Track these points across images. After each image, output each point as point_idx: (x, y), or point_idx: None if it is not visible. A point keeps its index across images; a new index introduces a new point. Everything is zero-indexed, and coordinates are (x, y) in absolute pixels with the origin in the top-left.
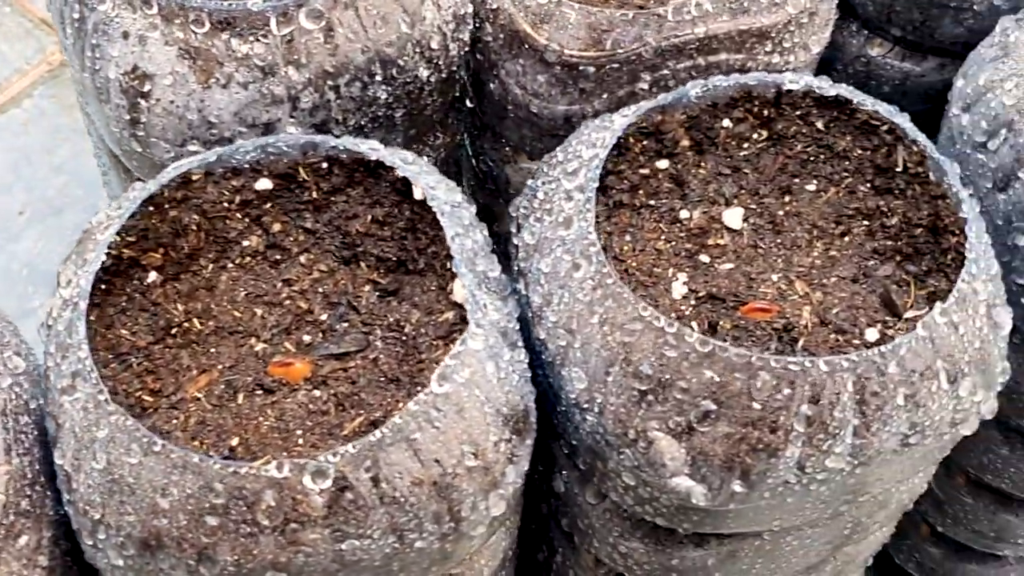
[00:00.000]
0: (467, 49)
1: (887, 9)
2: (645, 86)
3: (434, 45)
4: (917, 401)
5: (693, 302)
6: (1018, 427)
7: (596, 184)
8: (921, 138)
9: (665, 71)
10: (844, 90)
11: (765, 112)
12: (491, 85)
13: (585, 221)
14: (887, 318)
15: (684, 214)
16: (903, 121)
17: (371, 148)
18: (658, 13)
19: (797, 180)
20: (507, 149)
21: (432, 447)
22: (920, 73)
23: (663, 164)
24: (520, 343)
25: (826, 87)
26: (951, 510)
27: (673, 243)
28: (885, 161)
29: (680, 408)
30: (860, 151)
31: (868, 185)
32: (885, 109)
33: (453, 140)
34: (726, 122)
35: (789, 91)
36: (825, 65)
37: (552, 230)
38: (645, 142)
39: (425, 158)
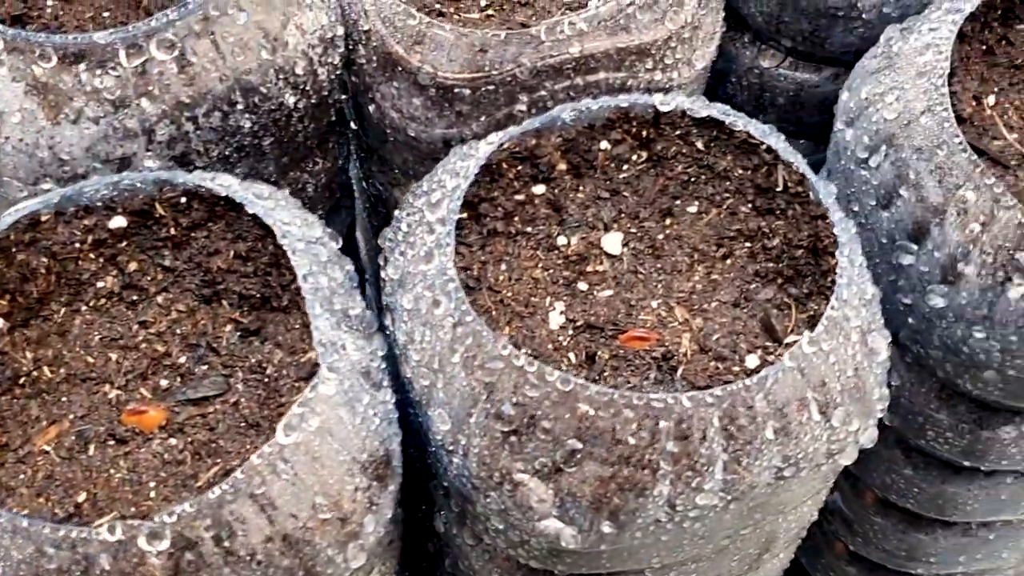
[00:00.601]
0: (339, 72)
1: (776, 20)
2: (523, 107)
3: (299, 71)
4: (788, 433)
5: (571, 332)
6: (919, 447)
7: (456, 216)
8: (796, 158)
9: (543, 92)
10: (717, 110)
11: (644, 133)
12: (369, 108)
13: (444, 256)
14: (768, 343)
15: (562, 240)
16: (776, 141)
17: (221, 184)
18: (532, 33)
19: (678, 202)
20: (395, 172)
21: (281, 500)
22: (815, 83)
23: (539, 189)
24: (386, 383)
25: (698, 108)
26: (861, 529)
27: (551, 271)
28: (766, 181)
29: (545, 449)
30: (741, 171)
31: (750, 206)
32: (758, 129)
33: (335, 165)
34: (604, 144)
35: (666, 111)
36: (720, 77)
37: (414, 264)
38: (520, 167)
39: (296, 186)
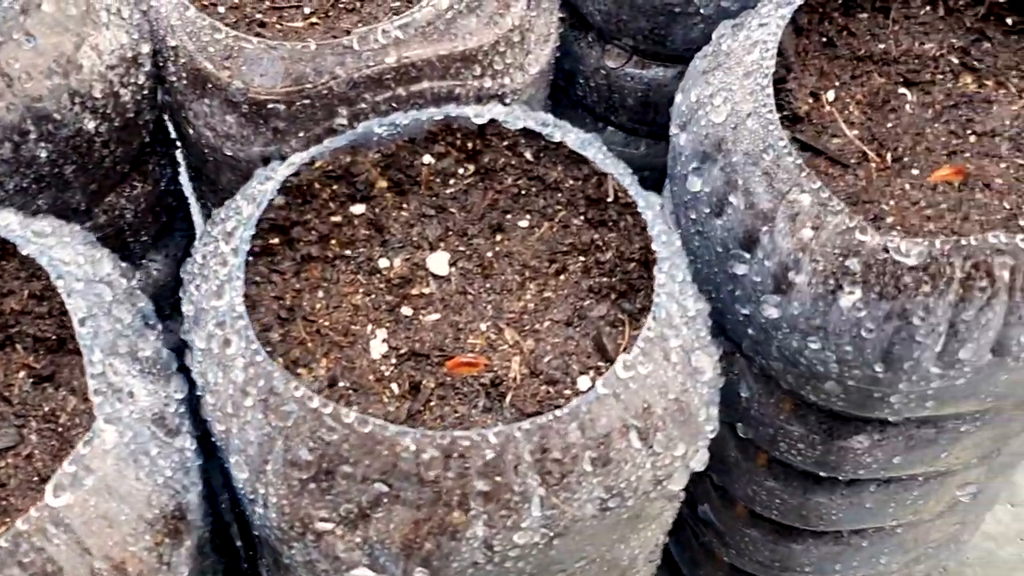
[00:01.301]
0: (148, 92)
1: (615, 19)
2: (344, 121)
3: (97, 94)
4: (608, 463)
5: (394, 361)
6: (777, 459)
7: (247, 247)
8: (617, 168)
9: (363, 104)
10: (536, 121)
11: (470, 145)
12: (185, 128)
13: (235, 291)
14: (600, 363)
15: (384, 263)
16: (594, 152)
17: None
18: (345, 44)
19: (509, 216)
20: (222, 192)
21: (51, 568)
22: (663, 82)
23: (358, 209)
24: (185, 428)
25: (515, 119)
26: (733, 541)
27: (372, 296)
28: (597, 192)
29: (349, 494)
30: (572, 182)
31: (582, 218)
32: (578, 139)
33: (156, 188)
34: (427, 158)
35: (491, 121)
36: (570, 78)
37: (207, 299)
38: (335, 187)
39: (113, 213)
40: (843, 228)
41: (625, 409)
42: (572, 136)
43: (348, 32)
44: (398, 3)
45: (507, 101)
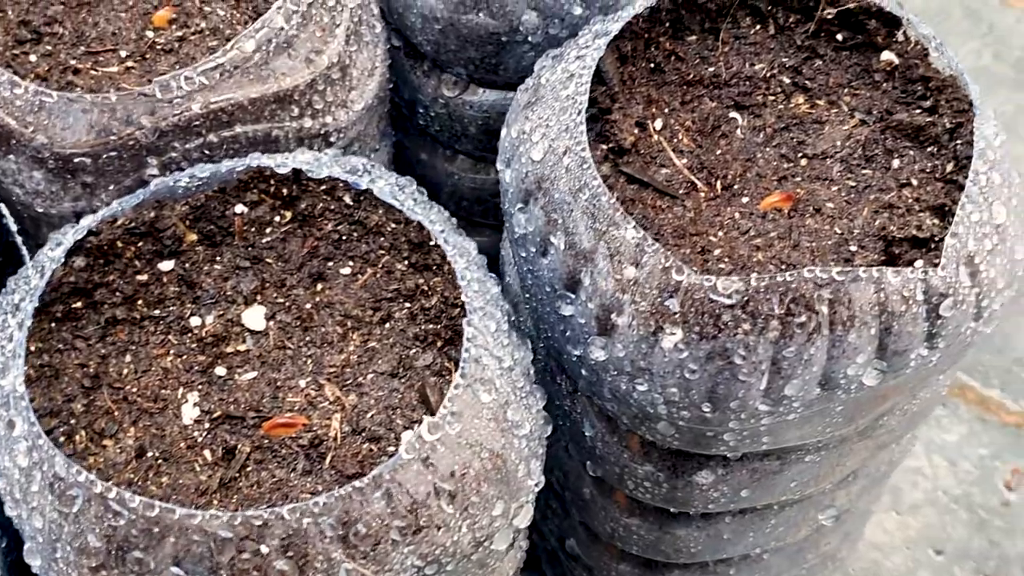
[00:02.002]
0: None
1: (444, 50)
2: (155, 171)
3: None
4: (419, 531)
5: (207, 425)
6: (633, 496)
7: (30, 320)
8: (429, 215)
9: (173, 153)
10: (340, 167)
11: (285, 191)
12: None
13: (17, 370)
14: (425, 417)
15: (196, 321)
16: (404, 197)
17: None
18: (147, 93)
19: (330, 264)
20: None
21: None
22: (502, 109)
23: (167, 266)
24: None
25: (318, 167)
26: None
27: (184, 357)
28: (419, 234)
29: None
30: (394, 224)
31: (406, 263)
32: (386, 185)
33: None
34: (240, 208)
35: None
36: (411, 107)
37: None
38: (140, 244)
39: None
40: (661, 268)
41: (434, 472)
42: (382, 182)
43: (164, 75)
44: (216, 42)
45: (332, 140)
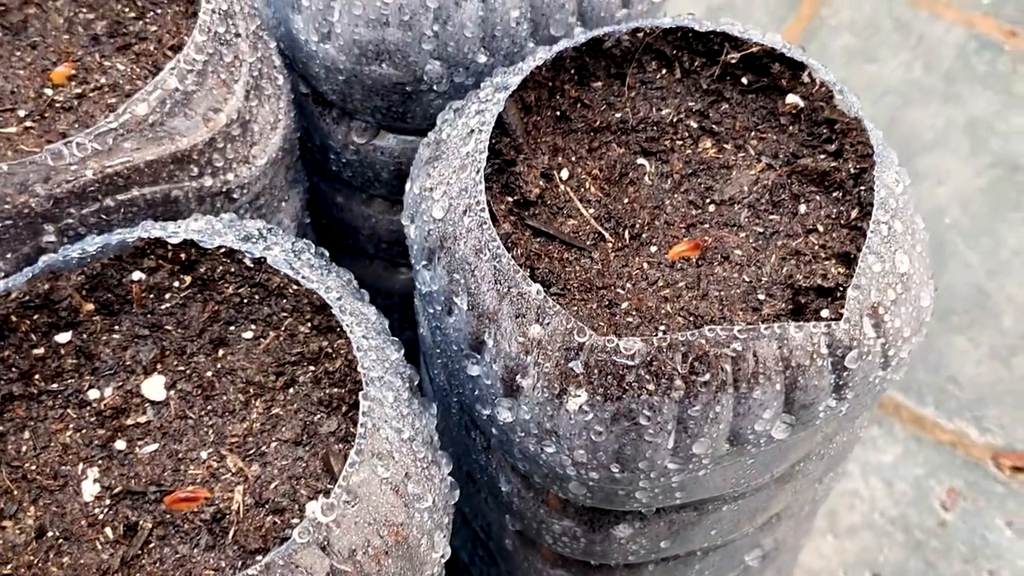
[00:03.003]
0: None
1: (348, 98)
2: (52, 238)
3: None
4: None
5: (108, 501)
6: (553, 549)
7: None
8: (325, 281)
9: (70, 219)
10: (235, 235)
11: (183, 255)
12: None
13: None
14: (330, 486)
15: (94, 394)
16: (300, 264)
17: None
18: (37, 160)
19: (232, 328)
20: None
21: None
22: (413, 156)
23: (64, 338)
24: None
25: (210, 235)
26: None
27: (83, 431)
28: (320, 296)
29: None
30: (295, 286)
31: (309, 325)
32: (280, 252)
33: None
34: (137, 275)
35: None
36: (323, 152)
37: None
38: (35, 317)
39: None
40: (564, 329)
41: (329, 555)
42: (277, 249)
43: (63, 135)
44: (115, 98)
45: (235, 196)
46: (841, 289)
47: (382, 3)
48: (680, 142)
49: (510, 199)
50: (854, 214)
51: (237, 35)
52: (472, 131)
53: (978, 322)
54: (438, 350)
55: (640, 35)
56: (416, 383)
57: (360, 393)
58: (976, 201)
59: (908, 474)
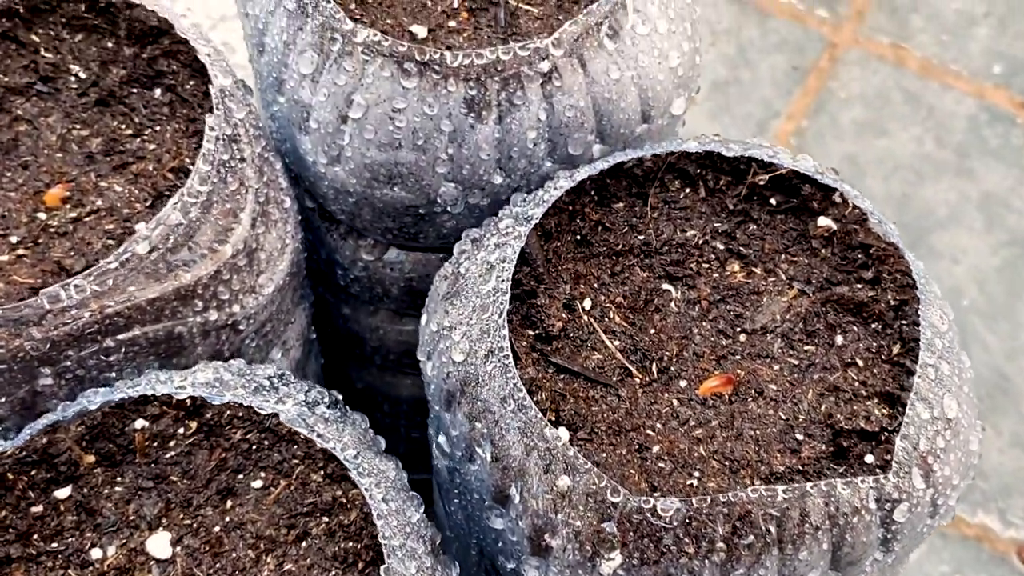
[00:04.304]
0: None
1: (357, 218)
2: (49, 381)
3: None
4: None
5: None
6: None
7: None
8: (324, 434)
9: (67, 362)
10: (205, 382)
11: (189, 400)
12: None
13: None
14: None
15: (97, 553)
16: (284, 411)
17: None
18: (32, 304)
19: (240, 477)
20: None
21: None
22: (424, 272)
23: (63, 493)
24: None
25: (217, 393)
26: None
27: None
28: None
29: None
30: (307, 432)
31: (321, 473)
32: (290, 413)
33: None
34: (140, 423)
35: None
36: (331, 266)
37: None
38: (33, 473)
39: None
40: (595, 488)
41: None
42: (290, 402)
43: (59, 264)
44: (113, 224)
45: (241, 328)
46: (886, 432)
47: (394, 127)
48: (706, 265)
49: (531, 332)
50: (896, 349)
51: (242, 160)
52: (492, 267)
53: (999, 408)
54: (456, 491)
55: (663, 155)
56: (439, 542)
57: (382, 568)
58: (993, 280)
59: (934, 571)
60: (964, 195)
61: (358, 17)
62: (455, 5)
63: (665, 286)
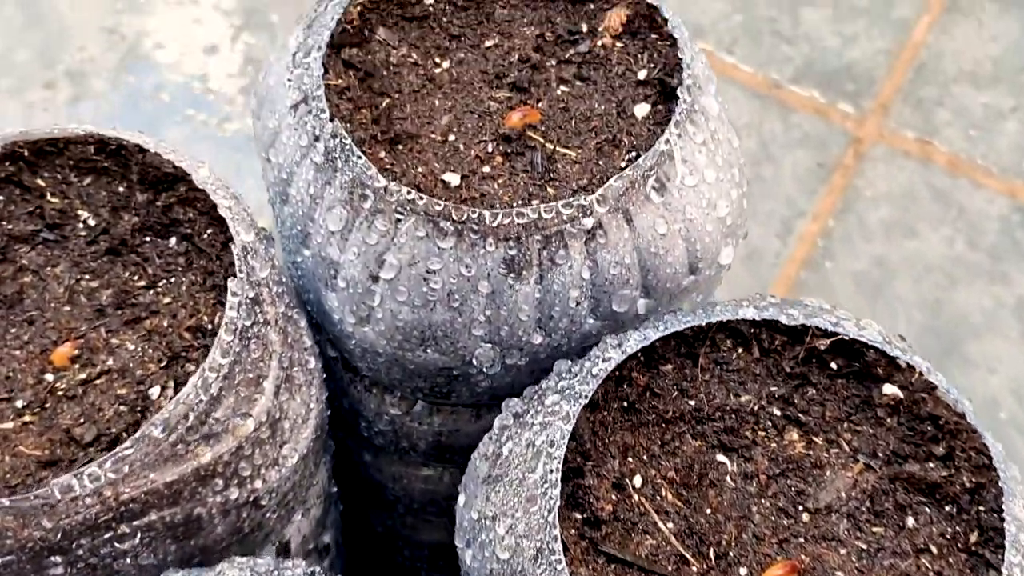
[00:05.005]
0: None
1: (385, 376)
2: (60, 570)
3: None
4: None
5: None
6: None
7: None
8: None
9: (80, 551)
10: None
11: None
12: None
13: None
14: None
15: None
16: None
17: None
18: (44, 495)
19: None
20: None
21: None
22: (453, 427)
23: None
24: None
25: None
26: None
27: None
28: None
29: None
30: None
31: None
32: None
33: None
34: None
35: None
36: (354, 417)
37: None
38: None
39: None
40: None
41: None
42: None
43: (68, 432)
44: (125, 388)
45: (263, 503)
46: None
47: (429, 288)
48: (763, 434)
49: (579, 516)
50: (973, 538)
51: (265, 323)
52: (539, 452)
53: None
54: None
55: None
56: None
57: None
58: None
59: None
60: (999, 300)
61: (389, 167)
62: (489, 149)
63: (720, 457)
